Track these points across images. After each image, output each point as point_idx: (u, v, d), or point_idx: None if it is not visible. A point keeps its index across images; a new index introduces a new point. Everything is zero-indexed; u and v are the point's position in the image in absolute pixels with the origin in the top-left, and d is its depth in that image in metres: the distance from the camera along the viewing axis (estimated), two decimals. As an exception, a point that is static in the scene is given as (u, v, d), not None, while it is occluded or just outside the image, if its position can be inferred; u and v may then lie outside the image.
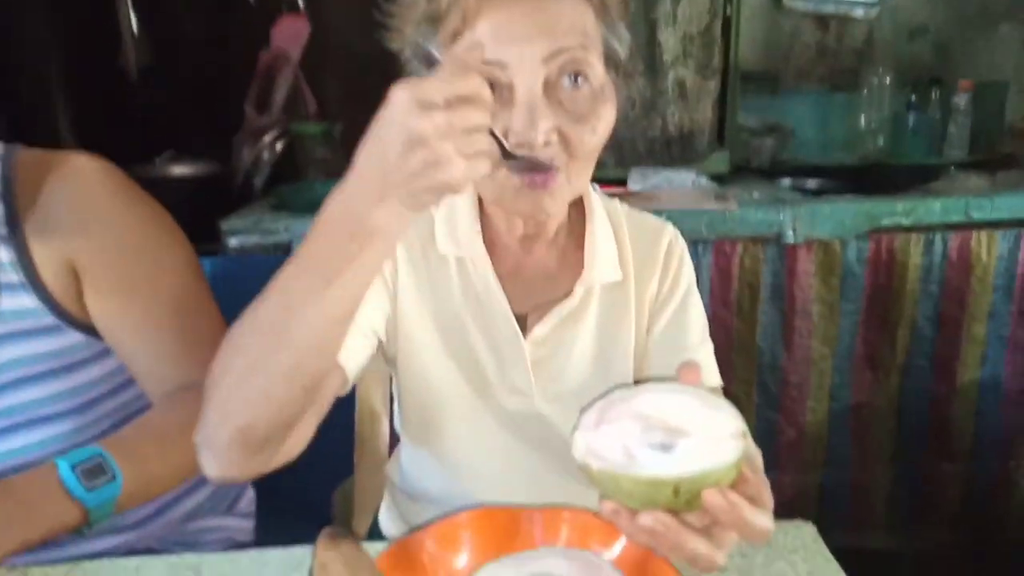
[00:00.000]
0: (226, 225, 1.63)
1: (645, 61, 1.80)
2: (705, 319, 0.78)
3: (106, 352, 0.81)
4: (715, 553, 0.46)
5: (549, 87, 0.59)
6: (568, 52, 0.58)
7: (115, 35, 2.47)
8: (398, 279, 0.72)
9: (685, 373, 0.52)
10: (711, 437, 0.46)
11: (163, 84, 2.49)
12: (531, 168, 0.59)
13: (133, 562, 0.62)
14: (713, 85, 1.84)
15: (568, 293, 0.72)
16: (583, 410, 0.51)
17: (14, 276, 0.75)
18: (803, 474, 1.80)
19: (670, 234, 0.78)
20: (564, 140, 0.60)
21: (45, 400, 0.78)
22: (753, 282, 1.65)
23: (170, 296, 0.81)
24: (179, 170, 2.21)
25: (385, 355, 0.76)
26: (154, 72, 2.52)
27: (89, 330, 0.79)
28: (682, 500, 0.44)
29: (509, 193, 0.62)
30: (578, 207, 0.75)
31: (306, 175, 1.99)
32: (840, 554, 0.59)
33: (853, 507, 1.83)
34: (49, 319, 0.77)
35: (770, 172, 2.08)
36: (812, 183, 2.06)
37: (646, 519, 0.45)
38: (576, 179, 0.63)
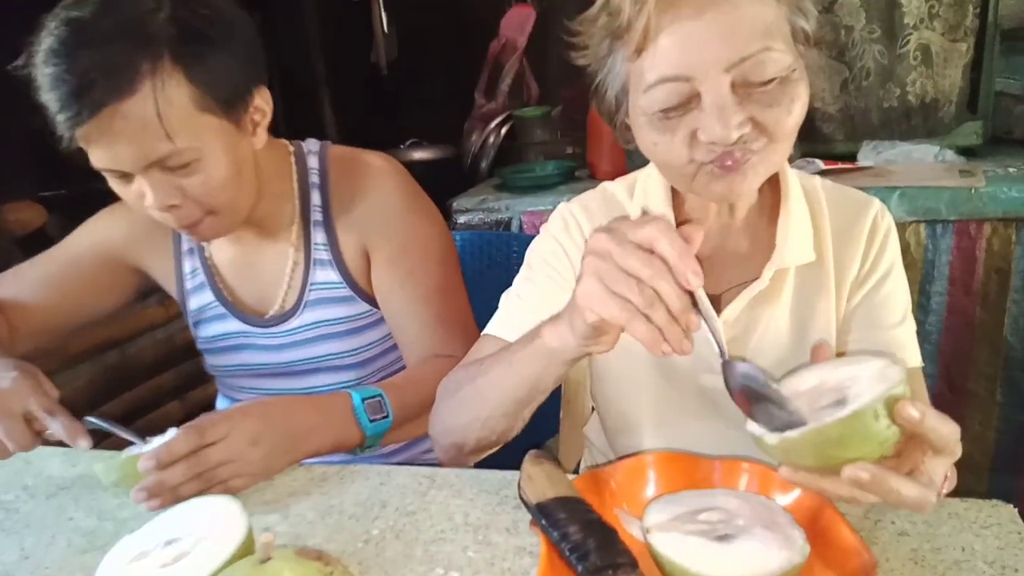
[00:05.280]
0: (455, 204, 1.83)
1: (882, 25, 1.66)
2: (909, 297, 0.75)
3: (380, 321, 1.00)
4: (924, 492, 0.47)
5: (737, 85, 0.58)
6: (751, 57, 0.57)
7: (368, 34, 2.82)
8: None
9: (816, 353, 0.55)
10: (874, 376, 0.48)
11: (408, 76, 2.80)
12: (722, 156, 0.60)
13: (385, 468, 0.76)
14: (965, 47, 1.64)
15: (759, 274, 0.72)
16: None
17: (325, 255, 0.96)
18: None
19: (875, 209, 0.75)
20: (759, 127, 0.59)
21: (338, 354, 0.99)
22: (1002, 267, 1.47)
23: (434, 280, 0.96)
24: (419, 155, 2.49)
25: None
26: (400, 66, 2.84)
27: (371, 302, 0.98)
28: (884, 425, 0.45)
29: (701, 179, 0.62)
30: (773, 188, 0.74)
31: (526, 157, 2.11)
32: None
33: None
34: (346, 291, 0.97)
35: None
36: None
37: (850, 470, 0.45)
38: (771, 158, 0.62)
